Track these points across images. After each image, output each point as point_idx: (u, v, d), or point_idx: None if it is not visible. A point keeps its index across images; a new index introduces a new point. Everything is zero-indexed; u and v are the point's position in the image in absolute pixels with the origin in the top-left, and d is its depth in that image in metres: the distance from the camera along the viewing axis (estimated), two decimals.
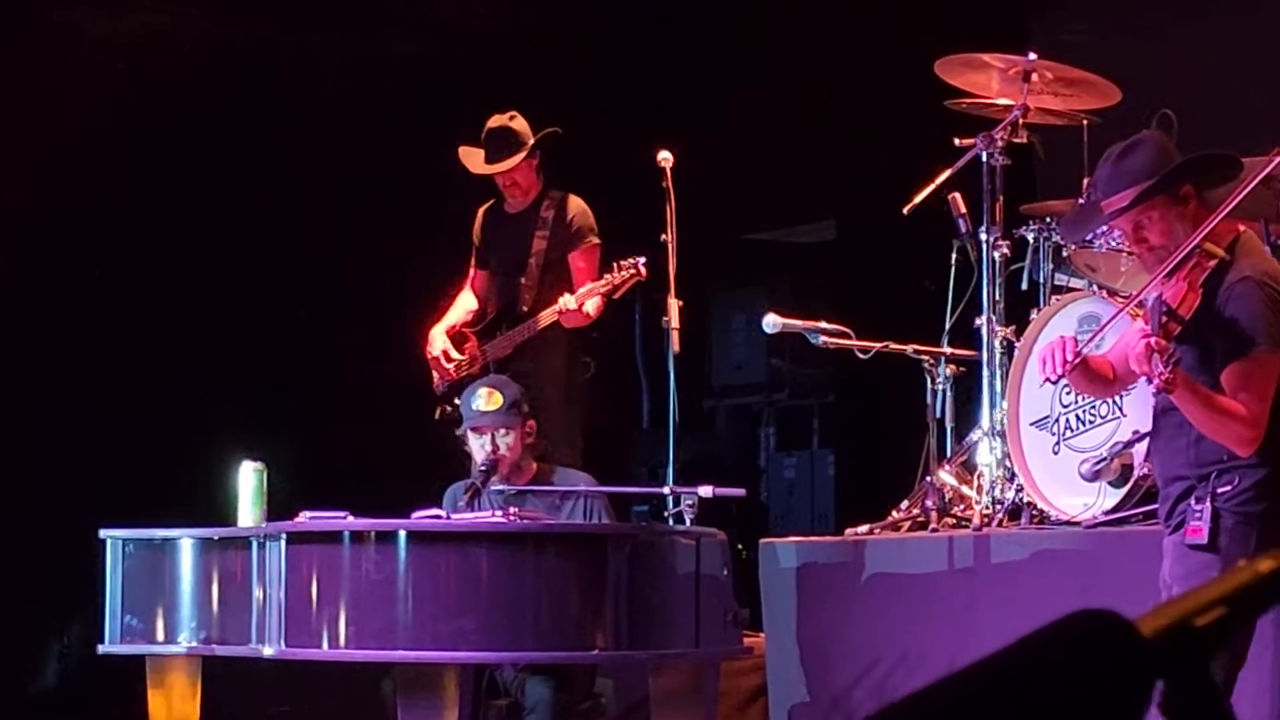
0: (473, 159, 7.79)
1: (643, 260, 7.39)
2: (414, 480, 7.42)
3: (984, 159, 6.97)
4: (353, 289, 9.47)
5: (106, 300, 9.20)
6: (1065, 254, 6.83)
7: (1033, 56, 6.98)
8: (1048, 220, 6.91)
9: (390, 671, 6.40)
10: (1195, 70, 8.44)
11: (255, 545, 6.22)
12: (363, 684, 6.94)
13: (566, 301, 7.50)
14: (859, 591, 6.93)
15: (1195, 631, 1.30)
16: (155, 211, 9.18)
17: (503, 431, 6.89)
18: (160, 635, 6.45)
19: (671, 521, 6.46)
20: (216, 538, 6.43)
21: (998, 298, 7.00)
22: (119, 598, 6.51)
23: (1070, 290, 6.83)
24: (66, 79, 9.20)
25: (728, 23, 10.01)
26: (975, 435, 7.02)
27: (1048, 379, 5.11)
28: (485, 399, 6.91)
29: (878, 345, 7.14)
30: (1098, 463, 6.32)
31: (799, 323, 7.23)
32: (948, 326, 7.10)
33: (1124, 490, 6.33)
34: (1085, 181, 6.63)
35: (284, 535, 6.08)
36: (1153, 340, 4.77)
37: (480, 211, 8.02)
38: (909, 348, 7.13)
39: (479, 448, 6.90)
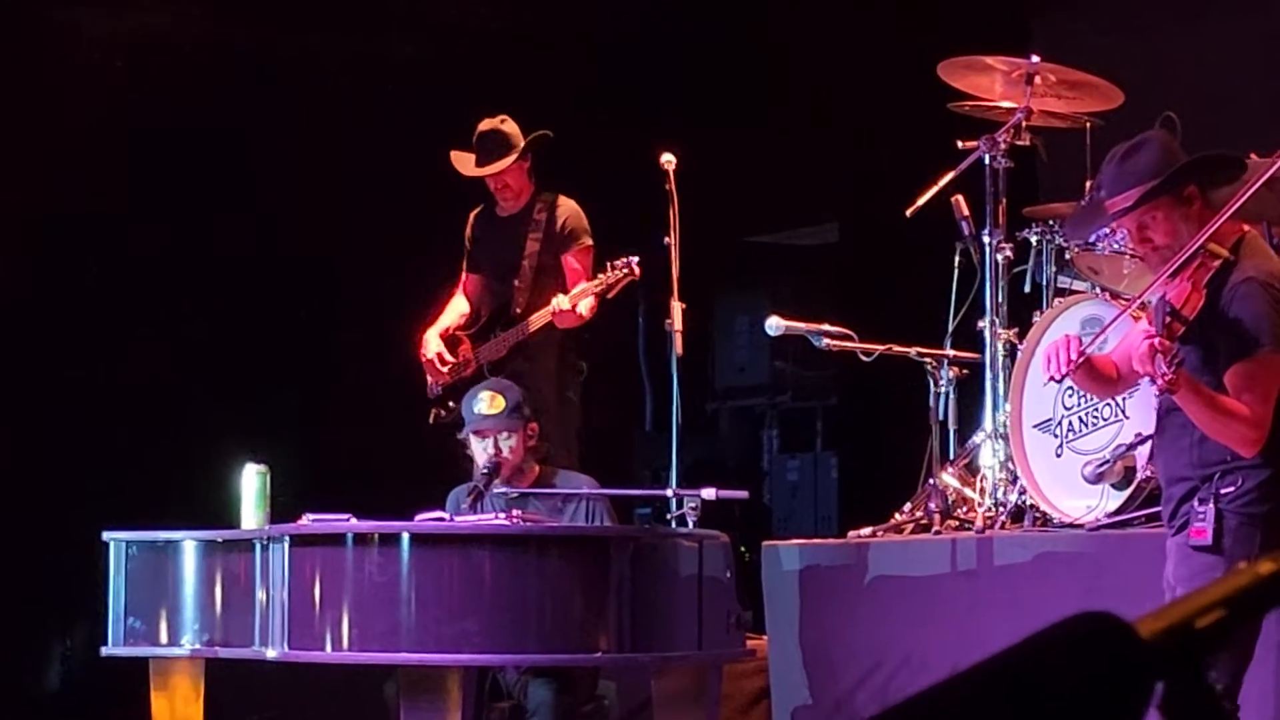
0: (464, 163, 7.81)
1: (636, 259, 7.41)
2: (417, 483, 7.42)
3: (987, 161, 6.97)
4: (355, 289, 9.47)
5: (106, 300, 9.20)
6: (1068, 256, 6.83)
7: (1035, 59, 6.98)
8: (1050, 223, 6.91)
9: (393, 674, 6.41)
10: (1196, 70, 8.44)
11: (258, 547, 6.22)
12: (366, 686, 6.94)
13: (560, 302, 7.51)
14: (862, 594, 6.93)
15: (1195, 634, 1.30)
16: (155, 211, 9.18)
17: (505, 434, 6.89)
18: (163, 637, 6.45)
19: (674, 524, 6.46)
20: (220, 540, 6.43)
21: (1000, 300, 7.00)
22: (122, 600, 6.51)
23: (1073, 293, 6.83)
24: (66, 79, 9.21)
25: (730, 25, 10.00)
26: (978, 438, 7.01)
27: (1052, 378, 5.12)
28: (488, 402, 6.91)
29: (881, 348, 7.14)
30: (1101, 465, 6.31)
31: (802, 325, 7.23)
32: (951, 329, 7.11)
33: (1127, 493, 6.33)
34: (1088, 184, 6.63)
35: (287, 538, 6.08)
36: (1156, 340, 4.77)
37: (471, 215, 8.03)
38: (912, 350, 7.13)
39: (481, 451, 6.90)
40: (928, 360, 7.11)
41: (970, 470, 7.07)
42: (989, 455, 6.91)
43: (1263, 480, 4.91)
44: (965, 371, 7.13)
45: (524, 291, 7.78)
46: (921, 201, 6.95)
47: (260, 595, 6.16)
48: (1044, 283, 6.94)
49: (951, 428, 7.10)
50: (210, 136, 9.30)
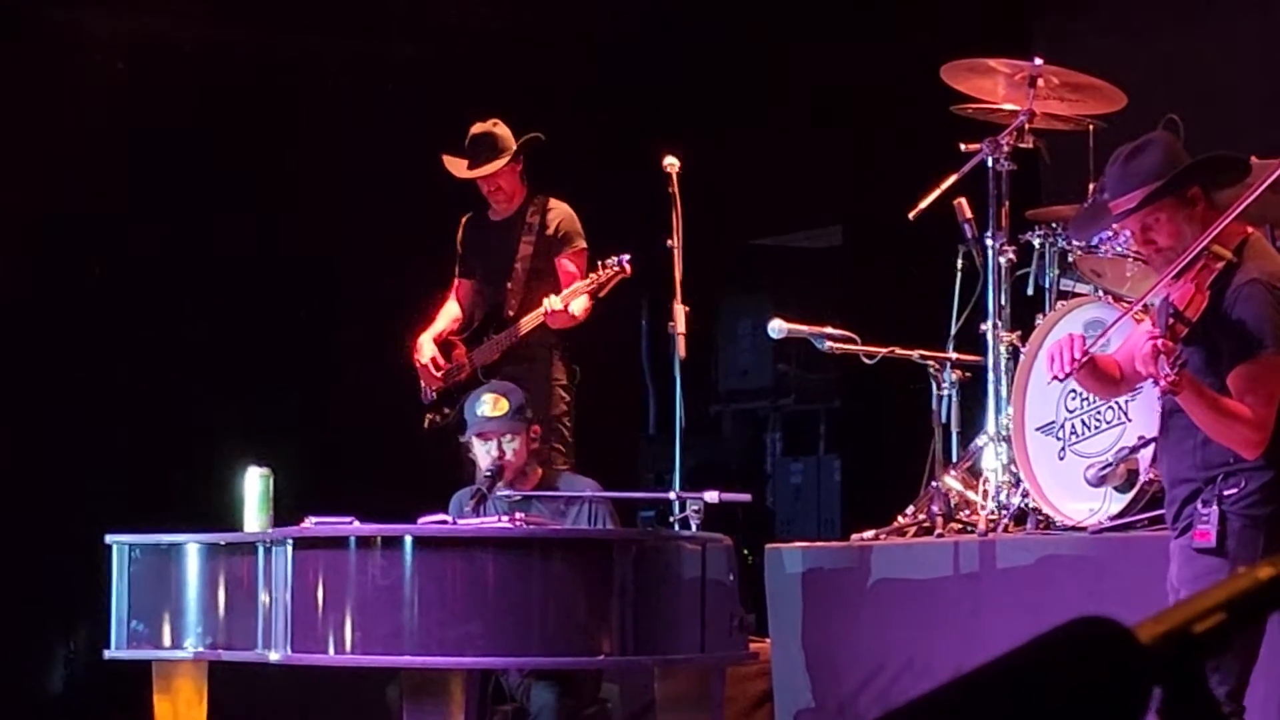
0: (457, 166, 7.83)
1: (626, 258, 7.43)
2: (420, 486, 7.42)
3: (989, 164, 6.97)
4: (358, 291, 9.47)
5: (108, 301, 9.20)
6: (1071, 259, 6.83)
7: (1038, 61, 6.98)
8: (1053, 225, 6.91)
9: (396, 677, 6.41)
10: (1196, 71, 8.44)
11: (261, 550, 6.22)
12: (368, 689, 6.94)
13: (552, 303, 7.52)
14: (865, 597, 6.93)
15: (1194, 638, 1.30)
16: (156, 212, 9.18)
17: (508, 437, 6.89)
18: (166, 640, 6.45)
19: (677, 527, 6.46)
20: (223, 543, 6.43)
21: (1003, 303, 7.00)
22: (125, 603, 6.51)
23: (1076, 295, 6.82)
24: (67, 79, 9.21)
25: (732, 27, 10.00)
26: (981, 440, 7.01)
27: (1055, 376, 5.12)
28: (491, 405, 6.91)
29: (884, 350, 7.14)
30: (1103, 468, 6.31)
31: (805, 328, 7.23)
32: (953, 332, 7.11)
33: (1129, 495, 6.33)
34: (1091, 186, 6.63)
35: (290, 541, 6.08)
36: (1159, 342, 4.77)
37: (463, 220, 8.05)
38: (915, 353, 7.13)
39: (484, 453, 6.90)
40: (930, 363, 7.11)
41: (973, 473, 7.07)
42: (992, 458, 6.91)
43: (1266, 482, 4.91)
44: (968, 374, 7.13)
45: (516, 294, 7.80)
46: (924, 204, 6.95)
47: (263, 598, 6.16)
48: (1047, 285, 6.94)
49: (954, 430, 7.10)
50: (211, 137, 9.30)
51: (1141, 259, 5.98)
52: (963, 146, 7.02)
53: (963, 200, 7.04)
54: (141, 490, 8.73)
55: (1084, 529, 6.43)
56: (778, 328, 7.20)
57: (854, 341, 7.19)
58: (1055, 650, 1.29)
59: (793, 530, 10.51)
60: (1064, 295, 6.88)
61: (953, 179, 6.93)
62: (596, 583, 5.88)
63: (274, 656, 6.10)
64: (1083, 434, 6.60)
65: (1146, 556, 5.73)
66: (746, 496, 6.73)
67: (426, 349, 7.90)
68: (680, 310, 6.87)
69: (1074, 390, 6.53)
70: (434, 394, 7.91)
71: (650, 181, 7.03)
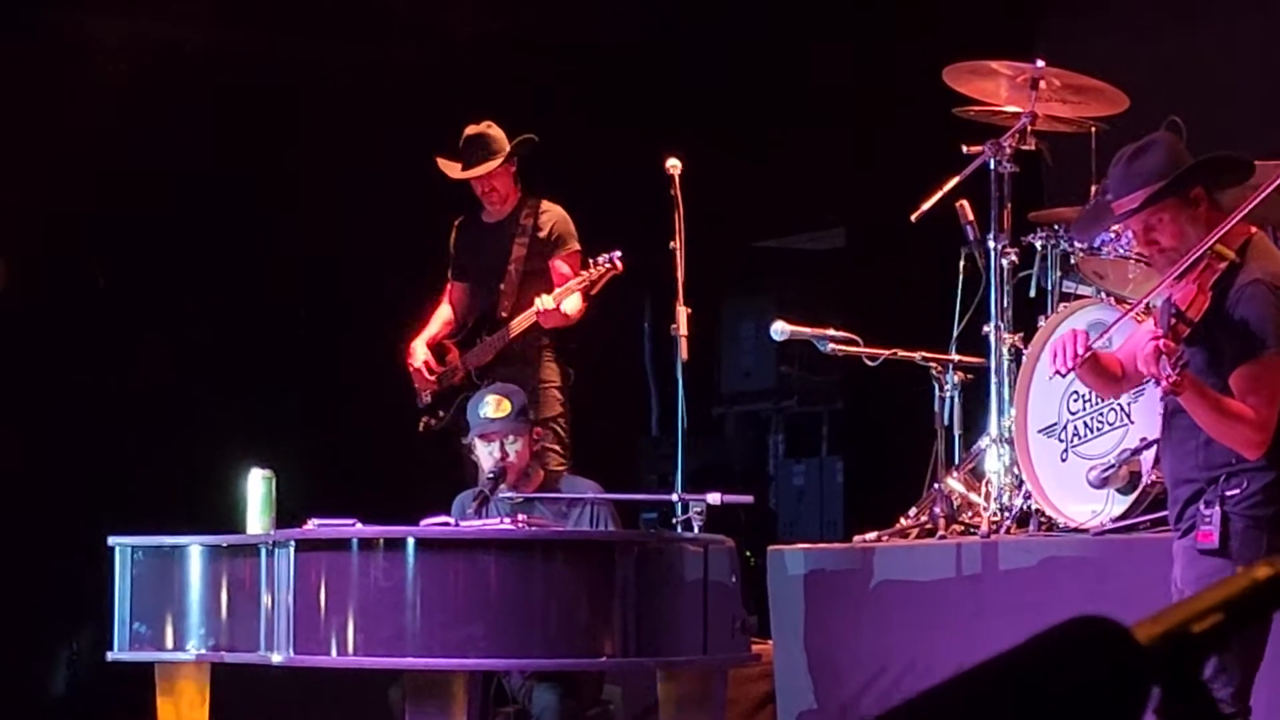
0: (451, 168, 7.85)
1: (618, 254, 7.45)
2: (422, 488, 7.43)
3: (992, 166, 6.97)
4: (361, 294, 9.47)
5: (113, 304, 9.21)
6: (1073, 261, 6.83)
7: (1040, 63, 6.98)
8: (1056, 227, 6.91)
9: (398, 679, 6.41)
10: (1197, 72, 8.44)
11: (264, 552, 6.22)
12: (371, 691, 6.94)
13: (544, 302, 7.53)
14: (867, 598, 6.92)
15: (1192, 638, 1.30)
16: (160, 215, 9.18)
17: (511, 439, 6.89)
18: (169, 642, 6.45)
19: (680, 528, 6.46)
20: (225, 545, 6.43)
21: (1006, 305, 7.00)
22: (128, 605, 6.51)
23: (1078, 297, 6.83)
24: (69, 80, 9.22)
25: (733, 29, 10.00)
26: (983, 442, 7.01)
27: (1058, 371, 5.12)
28: (494, 406, 6.92)
29: (886, 352, 7.14)
30: (1106, 470, 6.31)
31: (807, 330, 7.23)
32: (956, 334, 7.11)
33: (1132, 497, 6.33)
34: (1093, 188, 6.63)
35: (293, 543, 6.09)
36: (1161, 342, 4.77)
37: (455, 224, 8.06)
38: (917, 355, 7.13)
39: (487, 455, 6.90)
40: (933, 365, 7.11)
41: (975, 475, 7.07)
42: (994, 460, 6.91)
43: (1268, 483, 4.90)
44: (970, 376, 7.13)
45: (510, 296, 7.81)
46: (926, 206, 6.95)
47: (266, 600, 6.16)
48: (1049, 287, 6.94)
49: (957, 432, 7.10)
50: (212, 138, 9.31)
51: (1144, 261, 5.98)
52: (965, 149, 7.01)
53: (965, 202, 7.04)
54: (146, 493, 8.73)
55: (1086, 531, 6.43)
56: (780, 329, 7.20)
57: (856, 343, 7.19)
58: (1053, 649, 1.29)
59: (795, 532, 10.51)
60: (1066, 297, 6.88)
61: (955, 181, 6.93)
62: (598, 584, 5.88)
63: (276, 658, 6.10)
64: (1085, 436, 6.60)
65: (1149, 558, 5.73)
66: (749, 498, 6.73)
67: (419, 353, 7.92)
68: (683, 312, 6.87)
69: (1076, 392, 6.53)
70: (428, 398, 7.92)
71: (652, 183, 7.03)
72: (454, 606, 5.80)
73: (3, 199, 8.91)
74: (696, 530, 6.28)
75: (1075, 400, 6.57)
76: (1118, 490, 6.36)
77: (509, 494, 6.83)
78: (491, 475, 6.84)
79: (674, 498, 6.57)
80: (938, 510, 6.94)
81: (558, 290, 7.57)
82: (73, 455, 9.04)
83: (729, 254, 10.67)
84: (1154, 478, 6.15)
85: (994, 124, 7.14)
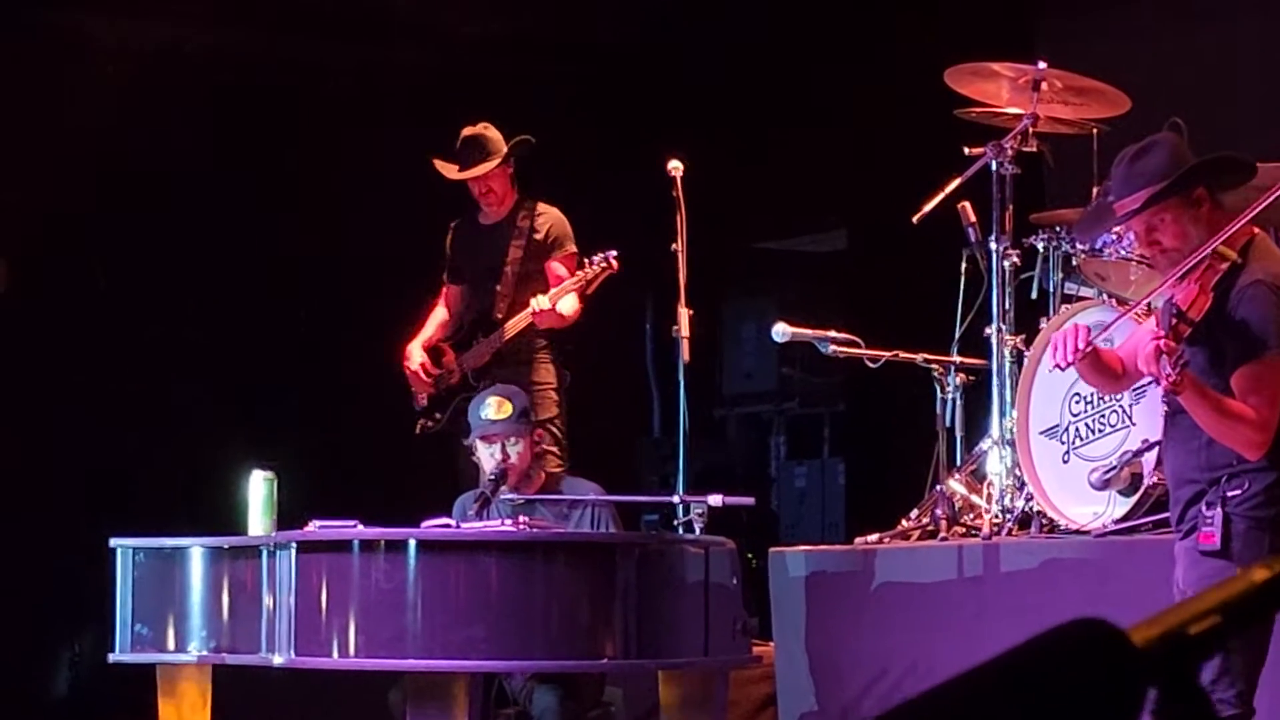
0: (448, 170, 7.86)
1: (613, 254, 7.45)
2: (423, 489, 7.42)
3: (993, 168, 6.97)
4: (362, 295, 9.47)
5: (113, 305, 9.21)
6: (1075, 263, 6.83)
7: (1042, 65, 6.98)
8: (1057, 229, 6.91)
9: (399, 680, 6.41)
10: (1197, 72, 8.44)
11: (265, 554, 6.22)
12: (372, 693, 6.94)
13: (539, 302, 7.54)
14: (869, 600, 6.92)
15: (1188, 640, 1.30)
16: (161, 216, 9.18)
17: (512, 440, 6.89)
18: (170, 644, 6.45)
19: (681, 530, 6.46)
20: (226, 546, 6.43)
21: (1007, 306, 7.00)
22: (129, 606, 6.51)
23: (1080, 299, 6.82)
24: (70, 81, 9.22)
25: (734, 30, 10.00)
26: (985, 444, 7.01)
27: (1058, 365, 5.11)
28: (495, 408, 6.92)
29: (888, 354, 7.14)
30: (1107, 471, 6.31)
31: (809, 331, 7.23)
32: (957, 335, 7.10)
33: (1133, 499, 6.32)
34: (1095, 190, 6.63)
35: (294, 544, 6.09)
36: (1162, 342, 4.77)
37: (451, 227, 8.06)
38: (919, 356, 7.13)
39: (488, 456, 6.90)
40: (934, 366, 7.10)
41: (977, 477, 7.07)
42: (996, 462, 6.90)
43: (1270, 483, 4.90)
44: (972, 378, 7.12)
45: (505, 298, 7.81)
46: (928, 208, 6.95)
47: (267, 601, 6.16)
48: (1050, 289, 6.94)
49: (958, 434, 7.09)
50: (212, 139, 9.31)
51: (1145, 262, 5.98)
52: (966, 150, 7.01)
53: (967, 204, 7.03)
54: (147, 494, 8.73)
55: (1088, 532, 6.43)
56: (782, 331, 7.19)
57: (858, 345, 7.19)
58: (1051, 651, 1.29)
59: (796, 534, 10.51)
60: (1068, 299, 6.88)
61: (957, 183, 6.93)
62: (600, 586, 5.88)
63: (278, 660, 6.10)
64: (1087, 437, 6.60)
65: (1151, 560, 5.72)
66: (750, 500, 6.72)
67: (415, 356, 7.92)
68: (684, 314, 6.88)
69: (1078, 394, 6.53)
70: (425, 400, 7.93)
71: (653, 184, 7.03)
72: (455, 608, 5.80)
73: (3, 199, 8.91)
74: (698, 532, 6.28)
75: (1077, 402, 6.57)
76: (1119, 492, 6.35)
77: (510, 496, 6.83)
78: (493, 477, 6.84)
79: (675, 499, 6.57)
80: (939, 512, 6.94)
81: (553, 291, 7.58)
82: (73, 455, 9.04)
83: (730, 255, 10.67)
84: (1156, 479, 6.15)
85: (995, 125, 7.14)
